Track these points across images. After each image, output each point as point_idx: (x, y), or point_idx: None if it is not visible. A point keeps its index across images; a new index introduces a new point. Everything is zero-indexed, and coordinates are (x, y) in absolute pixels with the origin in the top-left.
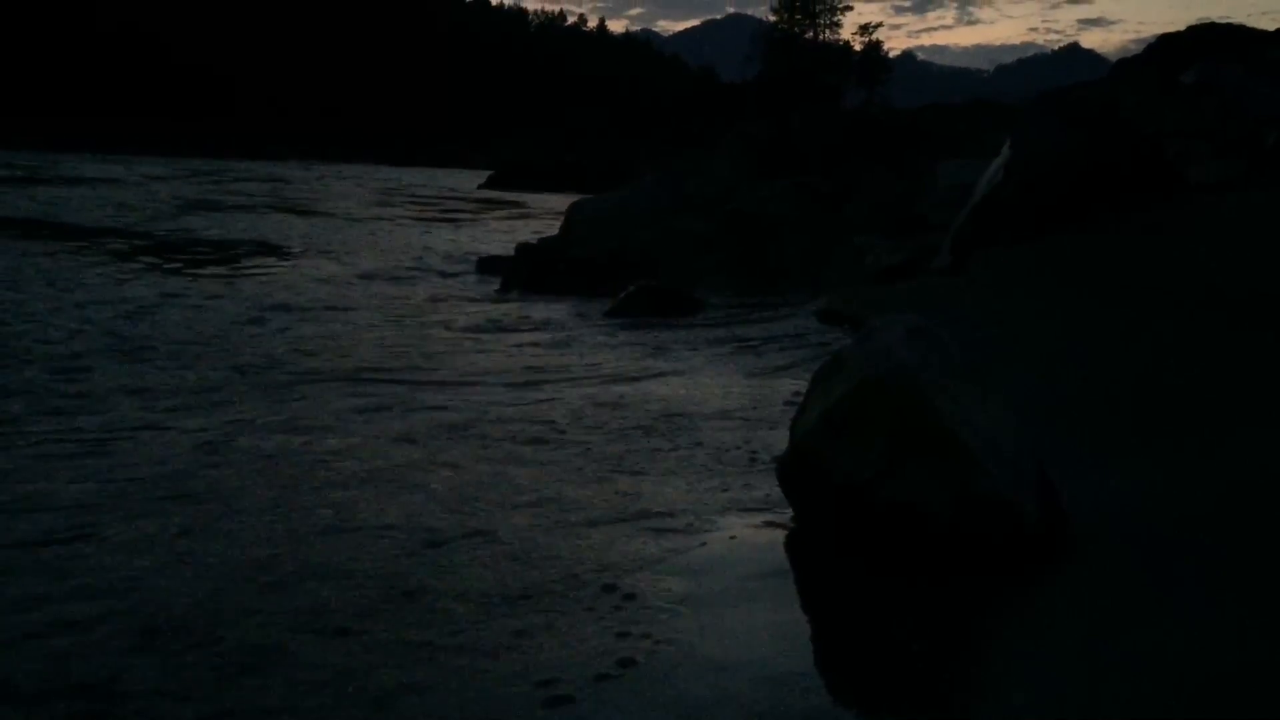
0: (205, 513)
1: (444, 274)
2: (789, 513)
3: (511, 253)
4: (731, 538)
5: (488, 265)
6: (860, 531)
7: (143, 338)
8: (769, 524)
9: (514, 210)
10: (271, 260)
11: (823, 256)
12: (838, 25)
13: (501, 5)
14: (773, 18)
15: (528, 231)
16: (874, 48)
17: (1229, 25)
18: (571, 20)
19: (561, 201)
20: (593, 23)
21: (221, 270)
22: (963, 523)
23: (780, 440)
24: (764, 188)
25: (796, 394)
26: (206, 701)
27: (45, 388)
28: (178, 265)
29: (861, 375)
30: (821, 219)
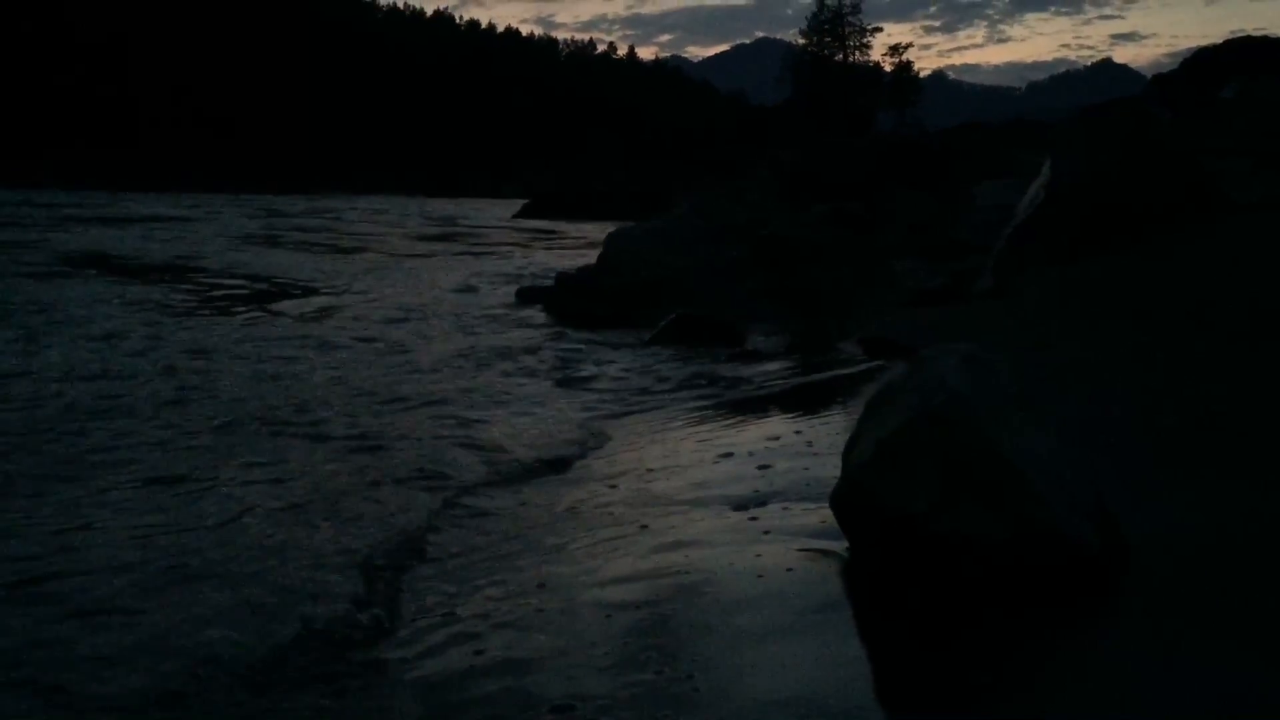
0: None
1: (483, 306)
2: (844, 542)
3: (550, 282)
4: (788, 570)
5: (527, 295)
6: (916, 563)
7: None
8: (824, 553)
9: (550, 239)
10: (309, 297)
11: (861, 282)
12: (867, 47)
13: (532, 36)
14: (802, 41)
15: (565, 260)
16: (904, 68)
17: (1265, 38)
18: (601, 49)
19: (596, 229)
20: (622, 50)
21: (265, 309)
22: (1021, 554)
23: (828, 469)
24: (799, 214)
25: (833, 427)
26: None
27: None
28: (249, 305)
29: (916, 406)
30: (858, 244)
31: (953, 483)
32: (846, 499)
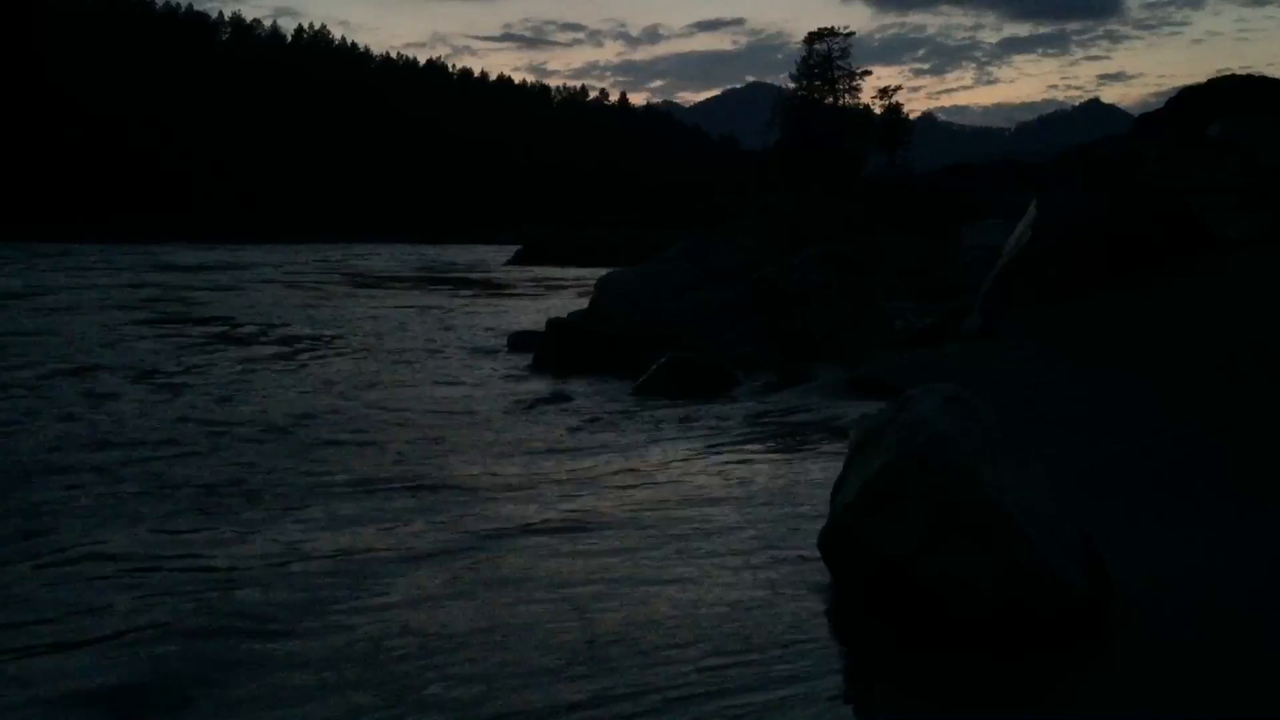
0: None
1: (476, 353)
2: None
3: (542, 328)
4: (773, 608)
5: (519, 342)
6: (903, 604)
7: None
8: (811, 592)
9: (542, 284)
10: (305, 345)
11: (851, 323)
12: (857, 90)
13: (525, 84)
14: (792, 85)
15: (557, 305)
16: (894, 111)
17: (1250, 77)
18: (594, 95)
19: (589, 275)
20: (614, 97)
21: (260, 357)
22: (1007, 596)
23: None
24: (790, 257)
25: (828, 471)
26: None
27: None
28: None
29: (900, 447)
30: (848, 286)
31: (938, 525)
32: (833, 541)
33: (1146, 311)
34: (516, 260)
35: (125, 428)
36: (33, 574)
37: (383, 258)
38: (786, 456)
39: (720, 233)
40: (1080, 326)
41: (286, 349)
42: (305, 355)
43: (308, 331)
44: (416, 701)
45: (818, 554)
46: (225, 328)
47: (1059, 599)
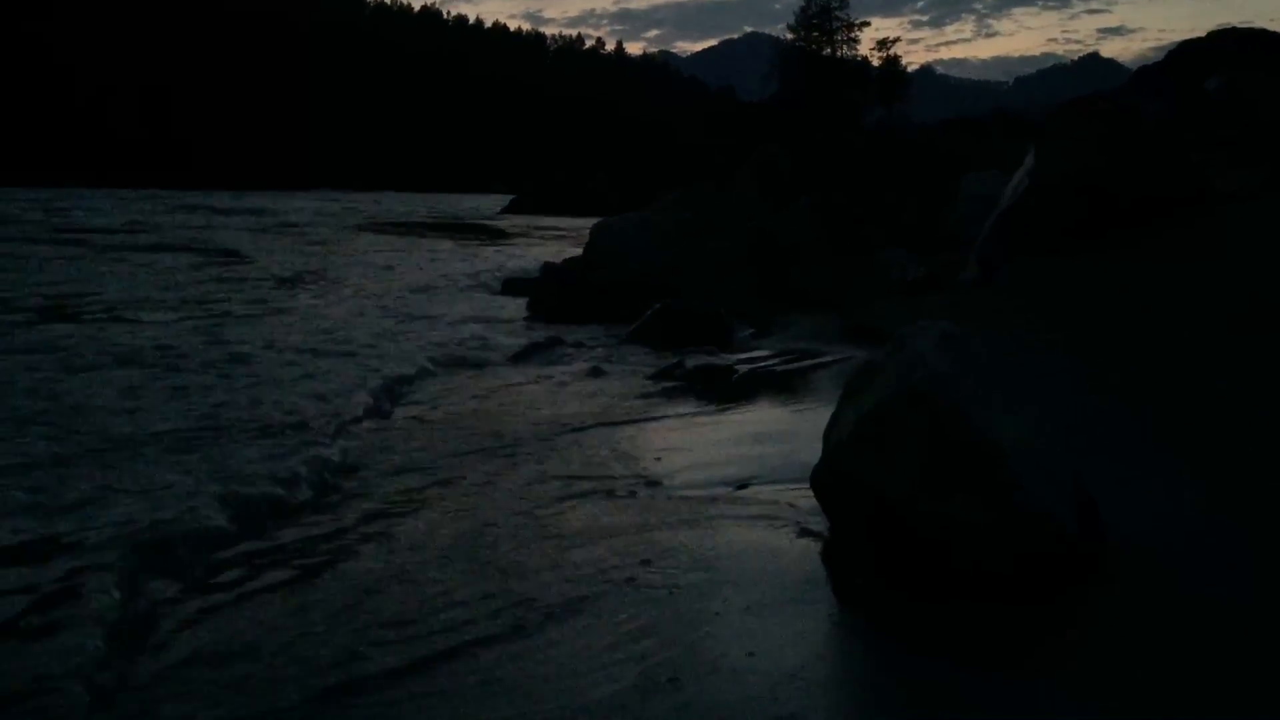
0: None
1: (472, 298)
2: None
3: (536, 272)
4: (772, 548)
5: (513, 286)
6: (896, 545)
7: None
8: (804, 532)
9: (536, 232)
10: (303, 286)
11: (847, 275)
12: (855, 41)
13: (520, 31)
14: (790, 36)
15: (550, 252)
16: (892, 63)
17: (1250, 30)
18: (589, 44)
19: (583, 224)
20: (610, 46)
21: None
22: (999, 536)
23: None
24: (786, 208)
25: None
26: None
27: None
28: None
29: (895, 385)
30: (844, 238)
31: (932, 462)
32: (826, 479)
33: (1144, 262)
34: (510, 209)
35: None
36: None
37: (379, 205)
38: (781, 401)
39: (717, 183)
40: (1077, 277)
41: (288, 288)
42: (302, 296)
43: (307, 272)
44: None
45: (809, 491)
46: (238, 264)
47: (1052, 540)
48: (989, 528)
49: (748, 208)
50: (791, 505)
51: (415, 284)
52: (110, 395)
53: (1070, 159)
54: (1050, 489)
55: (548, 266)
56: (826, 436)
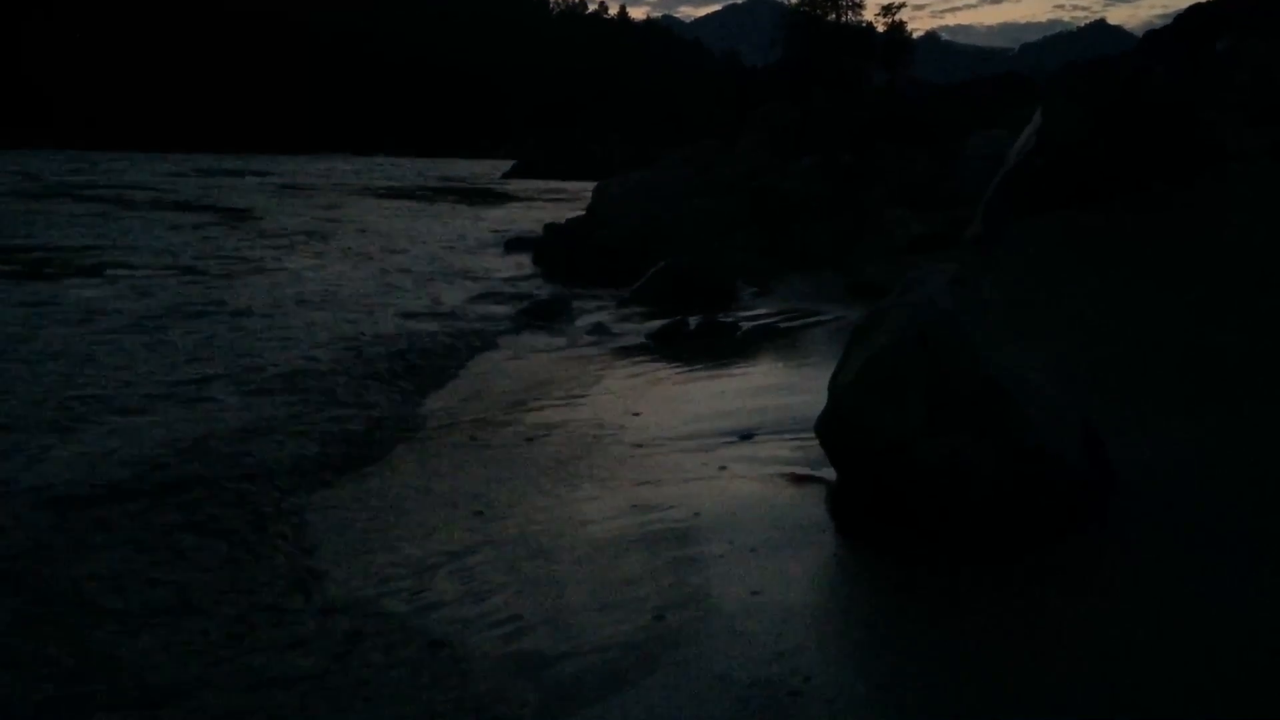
0: None
1: (474, 257)
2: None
3: (539, 232)
4: (774, 497)
5: (515, 245)
6: (902, 487)
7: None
8: (809, 480)
9: (540, 195)
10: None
11: (851, 234)
12: (860, 7)
13: None
14: (794, 0)
15: (554, 214)
16: (897, 29)
17: None
18: (592, 8)
19: (586, 188)
20: (613, 10)
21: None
22: (1009, 477)
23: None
24: (790, 167)
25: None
26: None
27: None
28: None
29: (903, 325)
30: (850, 197)
31: (939, 403)
32: (832, 424)
33: (1151, 222)
34: (514, 173)
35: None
36: None
37: (382, 170)
38: (784, 357)
39: (721, 142)
40: (1083, 236)
41: (305, 248)
42: (316, 252)
43: (317, 233)
44: None
45: (813, 441)
46: (255, 224)
47: (1060, 481)
48: (997, 468)
49: (752, 167)
50: (796, 454)
51: (421, 245)
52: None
53: (1078, 119)
54: (1059, 430)
55: (551, 227)
56: (832, 384)
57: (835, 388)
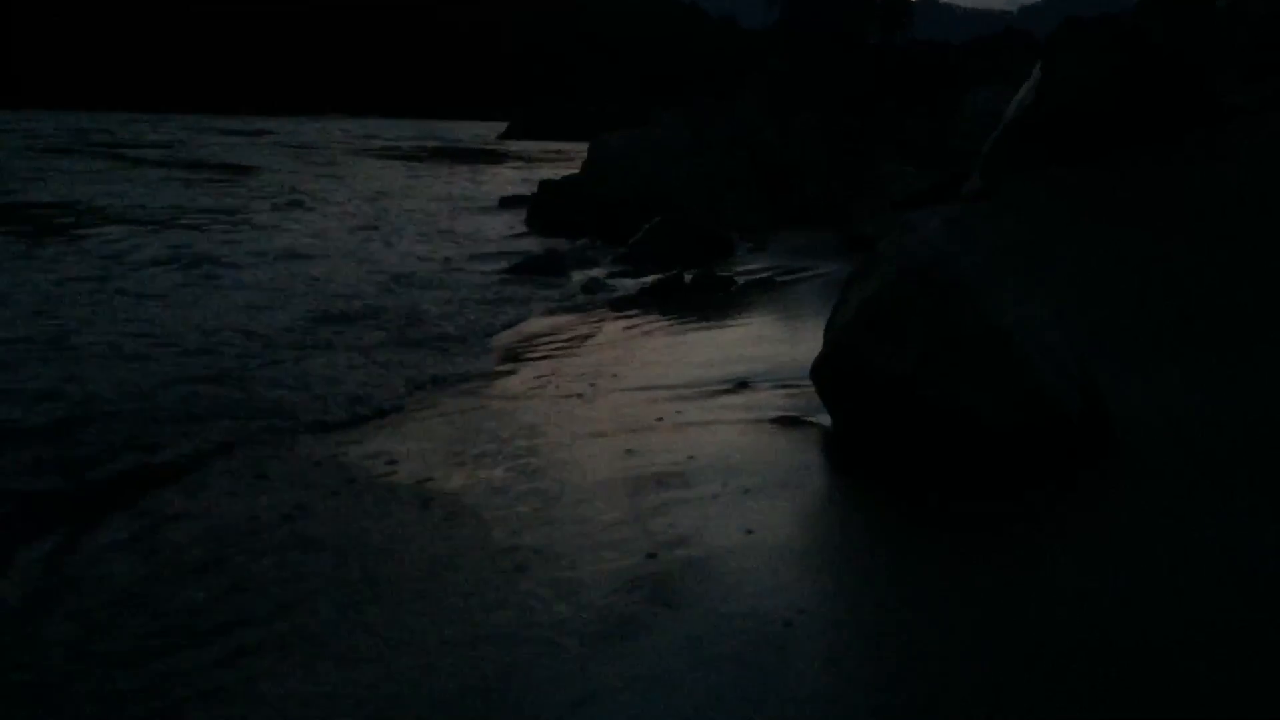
0: None
1: (471, 214)
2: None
3: (534, 190)
4: (769, 441)
5: (509, 202)
6: (897, 427)
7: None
8: (803, 424)
9: (535, 155)
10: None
11: (849, 190)
12: None
13: None
14: None
15: (550, 173)
16: None
17: None
18: None
19: (582, 149)
20: None
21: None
22: (1005, 417)
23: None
24: (789, 125)
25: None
26: None
27: None
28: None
29: (901, 266)
30: (847, 154)
31: (936, 345)
32: (827, 368)
33: (1151, 176)
34: (509, 134)
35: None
36: None
37: (378, 131)
38: (779, 310)
39: (719, 99)
40: (1083, 189)
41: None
42: (325, 208)
43: (319, 191)
44: None
45: (807, 389)
46: (260, 185)
47: (1056, 420)
48: (993, 407)
49: (750, 124)
50: (790, 401)
51: (417, 203)
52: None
53: (1077, 73)
54: (1055, 370)
55: (546, 183)
56: (828, 328)
57: (831, 330)
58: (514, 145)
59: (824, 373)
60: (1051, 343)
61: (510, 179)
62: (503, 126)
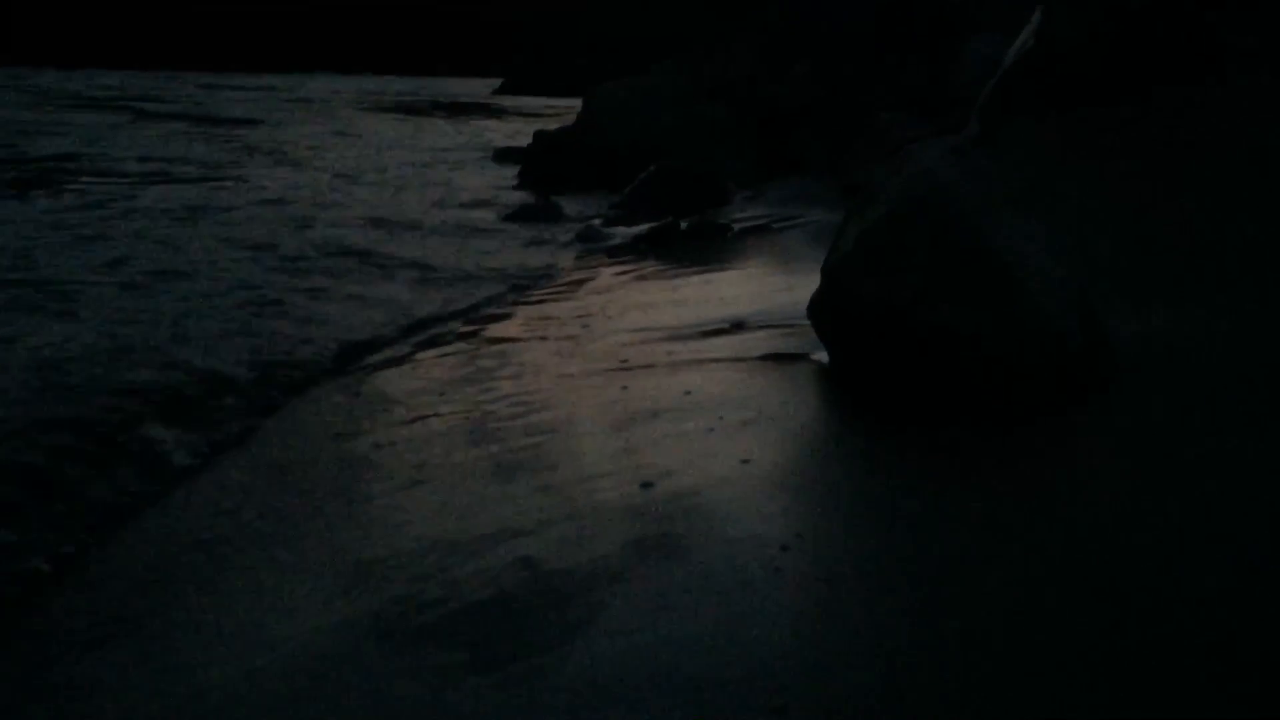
0: None
1: (466, 166)
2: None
3: (528, 143)
4: (764, 377)
5: (505, 155)
6: (896, 359)
7: None
8: (800, 359)
9: (530, 110)
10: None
11: (846, 139)
12: None
13: None
14: None
15: (544, 126)
16: None
17: None
18: None
19: (577, 104)
20: None
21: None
22: (1006, 347)
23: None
24: (785, 74)
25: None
26: None
27: None
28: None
29: (900, 195)
30: (845, 103)
31: (936, 274)
32: (824, 303)
33: (1152, 121)
34: (504, 90)
35: None
36: None
37: (374, 88)
38: (774, 255)
39: (715, 48)
40: (1082, 135)
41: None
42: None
43: (326, 143)
44: None
45: (803, 329)
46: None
47: (1058, 351)
48: (993, 337)
49: (747, 74)
50: (787, 341)
51: (412, 155)
52: None
53: (1078, 19)
54: (1057, 300)
55: (541, 134)
56: (826, 263)
57: (829, 264)
58: (508, 101)
59: (821, 308)
60: (1052, 273)
61: (505, 132)
62: (495, 83)
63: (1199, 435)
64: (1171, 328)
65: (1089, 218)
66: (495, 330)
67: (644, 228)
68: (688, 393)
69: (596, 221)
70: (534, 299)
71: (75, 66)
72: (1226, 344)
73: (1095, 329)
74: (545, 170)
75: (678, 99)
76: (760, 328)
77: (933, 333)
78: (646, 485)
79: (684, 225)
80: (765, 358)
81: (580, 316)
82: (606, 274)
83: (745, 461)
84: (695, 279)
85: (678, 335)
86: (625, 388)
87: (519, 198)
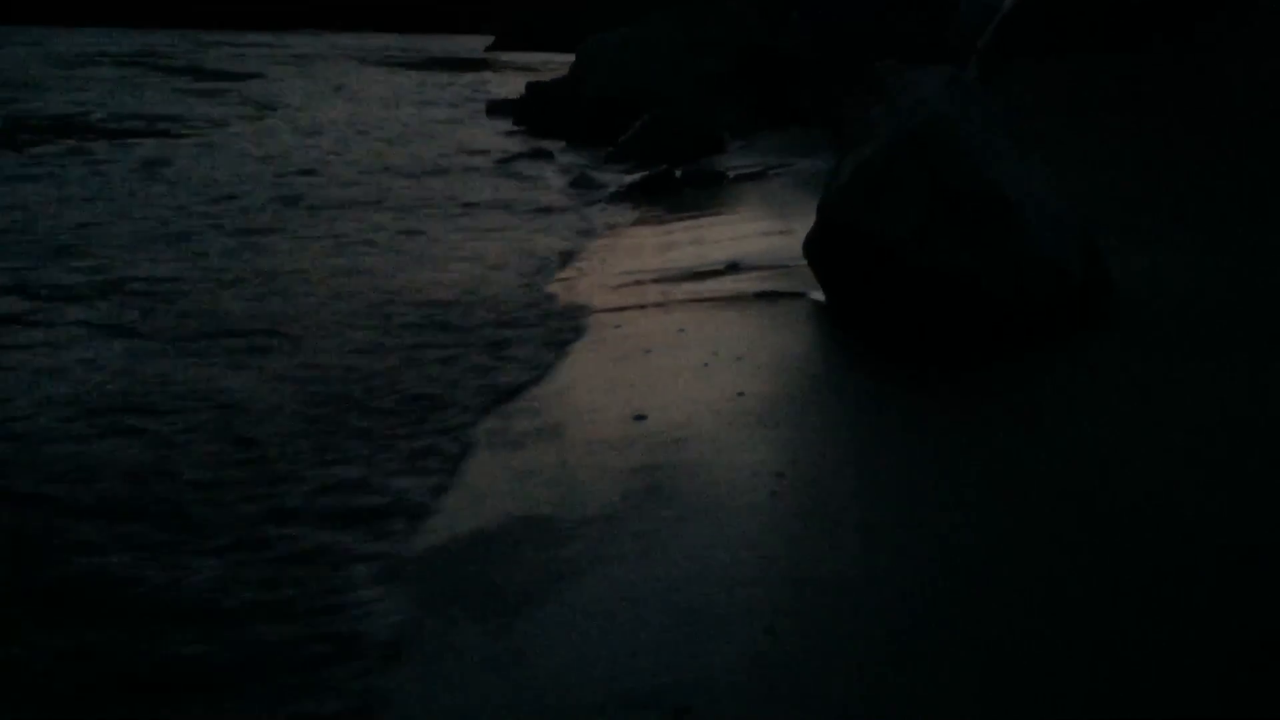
0: None
1: (457, 119)
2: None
3: (521, 94)
4: (760, 315)
5: (497, 108)
6: (892, 295)
7: None
8: (795, 297)
9: (523, 65)
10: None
11: (843, 90)
12: None
13: None
14: None
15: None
16: None
17: None
18: None
19: (570, 59)
20: None
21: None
22: (1006, 282)
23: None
24: (781, 24)
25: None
26: None
27: None
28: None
29: (897, 128)
30: (841, 53)
31: (934, 206)
32: (820, 240)
33: (1155, 64)
34: (497, 46)
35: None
36: None
37: (368, 44)
38: (767, 202)
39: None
40: (1083, 77)
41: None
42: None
43: (330, 95)
44: None
45: (797, 270)
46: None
47: (1059, 287)
48: (993, 272)
49: (742, 23)
50: (782, 282)
51: (408, 109)
52: None
53: None
54: (1058, 236)
55: (534, 85)
56: (821, 203)
57: (824, 204)
58: (502, 56)
59: (817, 245)
60: (1053, 209)
61: (498, 85)
62: (488, 39)
63: (1195, 371)
64: (1173, 264)
65: (1091, 157)
66: (509, 276)
67: (639, 176)
68: (682, 330)
69: (591, 170)
70: (528, 252)
71: (64, 25)
72: (1225, 281)
73: (1097, 264)
74: (539, 121)
75: (672, 49)
76: (755, 269)
77: (930, 269)
78: (640, 417)
79: (679, 173)
80: (760, 295)
81: (573, 260)
82: (600, 220)
83: (741, 394)
84: (690, 224)
85: (672, 277)
86: (618, 327)
87: (512, 147)
